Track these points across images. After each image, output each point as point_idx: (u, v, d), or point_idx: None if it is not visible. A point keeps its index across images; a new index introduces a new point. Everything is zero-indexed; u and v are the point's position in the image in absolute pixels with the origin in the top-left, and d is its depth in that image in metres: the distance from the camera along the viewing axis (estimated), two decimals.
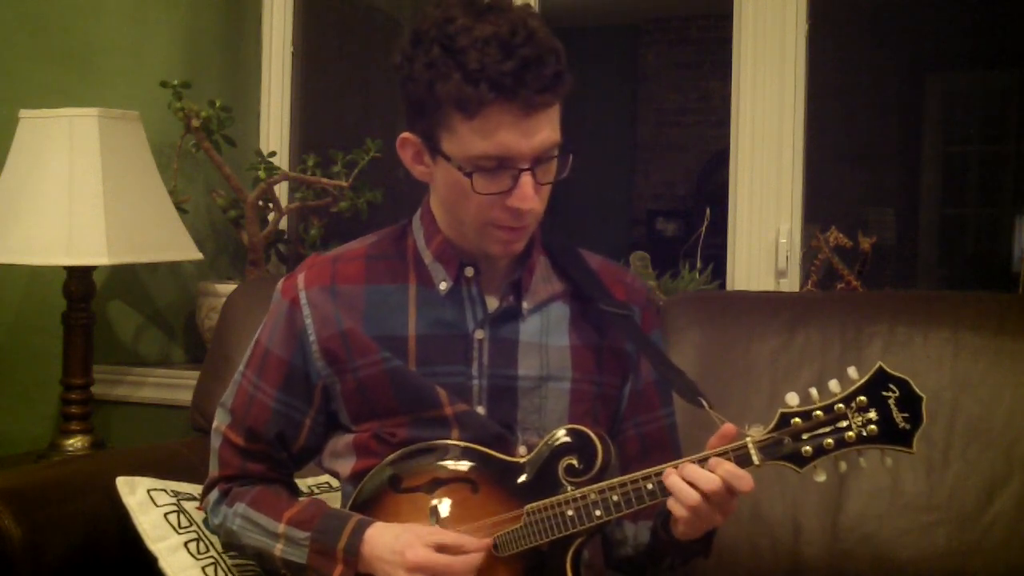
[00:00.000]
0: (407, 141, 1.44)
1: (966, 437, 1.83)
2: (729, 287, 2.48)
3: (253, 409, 1.55)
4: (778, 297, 2.18)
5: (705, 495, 1.31)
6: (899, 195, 6.01)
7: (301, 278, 1.54)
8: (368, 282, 1.52)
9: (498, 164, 1.35)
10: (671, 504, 1.34)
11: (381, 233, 1.58)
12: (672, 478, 1.33)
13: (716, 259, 2.55)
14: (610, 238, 6.86)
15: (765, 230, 2.45)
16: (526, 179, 1.35)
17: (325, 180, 2.64)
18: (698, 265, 2.55)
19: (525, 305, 1.51)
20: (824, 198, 2.91)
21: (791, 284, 2.43)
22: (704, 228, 2.59)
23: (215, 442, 1.60)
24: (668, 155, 7.50)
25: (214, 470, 1.60)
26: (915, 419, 1.29)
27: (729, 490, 1.31)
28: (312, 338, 1.51)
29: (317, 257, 1.57)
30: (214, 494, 1.59)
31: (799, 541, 1.86)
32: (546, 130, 1.35)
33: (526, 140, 1.34)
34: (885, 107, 5.99)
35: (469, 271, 1.49)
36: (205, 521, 1.78)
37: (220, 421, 1.59)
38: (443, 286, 1.50)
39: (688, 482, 1.31)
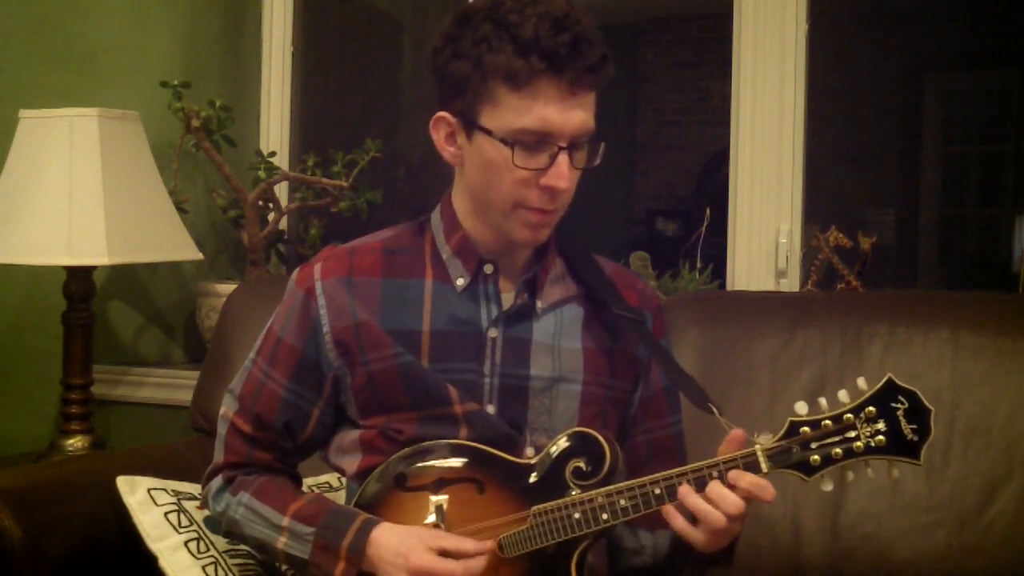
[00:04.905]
0: (441, 120, 1.45)
1: (966, 437, 1.82)
2: (729, 287, 2.48)
3: (262, 397, 1.54)
4: (778, 297, 2.18)
5: (730, 516, 1.30)
6: (899, 195, 6.01)
7: (318, 268, 1.53)
8: (385, 275, 1.51)
9: (538, 140, 1.38)
10: (685, 527, 1.33)
11: (398, 228, 1.58)
12: (694, 499, 1.31)
13: (716, 259, 2.55)
14: (610, 238, 6.85)
15: (765, 230, 2.44)
16: (563, 158, 1.39)
17: (325, 180, 2.64)
18: (698, 265, 2.54)
19: (539, 304, 1.51)
20: (824, 198, 2.91)
21: (791, 284, 2.43)
22: (704, 228, 2.59)
23: (221, 428, 1.59)
24: (668, 155, 7.49)
25: (219, 457, 1.58)
26: (923, 431, 1.30)
27: (750, 501, 1.31)
28: (326, 329, 1.50)
29: (334, 248, 1.56)
30: (217, 481, 1.58)
31: (799, 541, 1.86)
32: (585, 112, 1.39)
33: (566, 118, 1.37)
34: (885, 107, 5.99)
35: (488, 268, 1.50)
36: (205, 519, 1.79)
37: (227, 407, 1.58)
38: (460, 282, 1.50)
39: (713, 503, 1.31)
